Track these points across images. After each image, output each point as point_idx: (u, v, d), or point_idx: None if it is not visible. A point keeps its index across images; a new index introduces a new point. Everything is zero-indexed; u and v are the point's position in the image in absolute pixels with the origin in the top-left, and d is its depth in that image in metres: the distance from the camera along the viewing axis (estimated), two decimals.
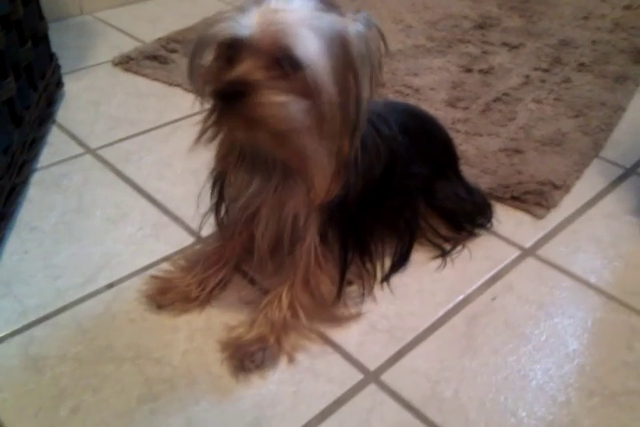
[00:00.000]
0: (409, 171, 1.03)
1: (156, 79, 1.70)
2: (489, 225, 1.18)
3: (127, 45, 1.87)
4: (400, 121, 1.01)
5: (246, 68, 0.74)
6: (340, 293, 0.96)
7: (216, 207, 0.99)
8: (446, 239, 1.13)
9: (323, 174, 0.82)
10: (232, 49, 0.76)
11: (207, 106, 0.84)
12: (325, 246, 0.93)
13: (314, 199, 0.85)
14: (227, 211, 0.98)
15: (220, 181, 0.95)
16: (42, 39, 1.52)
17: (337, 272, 0.95)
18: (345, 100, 0.79)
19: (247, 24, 0.73)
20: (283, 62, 0.74)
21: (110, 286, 1.05)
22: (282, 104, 0.76)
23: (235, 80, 0.74)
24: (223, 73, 0.76)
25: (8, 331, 0.97)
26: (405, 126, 1.02)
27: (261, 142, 0.81)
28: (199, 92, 0.83)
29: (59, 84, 1.61)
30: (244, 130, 0.80)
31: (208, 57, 0.80)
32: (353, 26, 0.77)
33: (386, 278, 1.05)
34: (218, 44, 0.77)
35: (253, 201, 0.89)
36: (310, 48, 0.74)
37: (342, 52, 0.77)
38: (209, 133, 0.86)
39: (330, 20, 0.77)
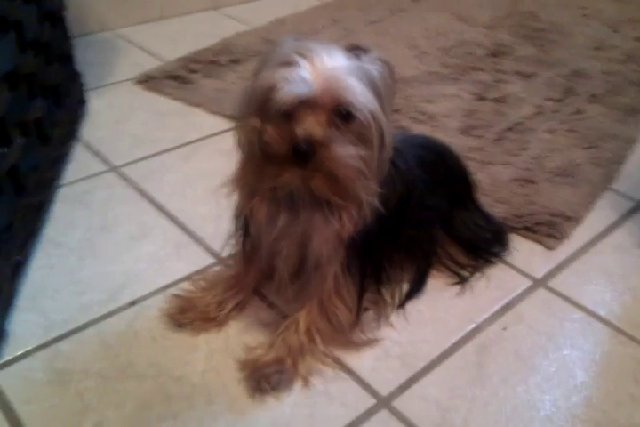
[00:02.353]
0: (425, 203, 1.06)
1: (176, 99, 1.73)
2: (505, 253, 1.21)
3: (148, 63, 1.92)
4: (417, 155, 1.05)
5: (311, 125, 0.78)
6: (356, 320, 0.99)
7: (240, 239, 1.02)
8: (464, 267, 1.16)
9: (359, 209, 0.86)
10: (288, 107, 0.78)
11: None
12: (345, 275, 0.96)
13: (344, 233, 0.88)
14: (250, 241, 1.00)
15: (244, 217, 0.96)
16: (67, 58, 1.56)
17: (354, 300, 0.98)
18: (380, 138, 0.83)
19: (307, 84, 0.76)
20: (337, 115, 0.78)
21: (133, 303, 1.08)
22: (350, 156, 0.80)
23: (306, 138, 0.77)
24: (285, 131, 0.78)
25: (34, 345, 1.00)
26: (422, 160, 1.05)
27: (315, 188, 0.83)
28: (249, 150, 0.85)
29: (82, 101, 1.65)
30: (307, 181, 0.83)
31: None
32: (374, 67, 0.82)
33: (401, 305, 1.08)
34: (279, 107, 0.78)
35: (279, 236, 0.92)
36: (360, 99, 0.78)
37: (375, 95, 0.81)
38: (250, 185, 0.88)
39: (363, 67, 0.81)
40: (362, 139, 0.82)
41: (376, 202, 0.87)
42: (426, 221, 1.09)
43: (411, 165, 1.01)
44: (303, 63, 0.77)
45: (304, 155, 0.78)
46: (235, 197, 0.92)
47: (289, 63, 0.78)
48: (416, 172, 1.02)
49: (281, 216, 0.89)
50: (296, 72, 0.77)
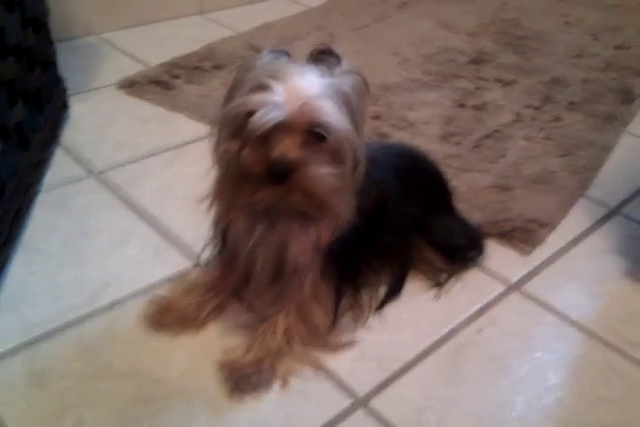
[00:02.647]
0: (401, 211, 1.08)
1: (158, 104, 1.74)
2: (481, 258, 1.23)
3: (131, 68, 1.93)
4: (393, 164, 1.08)
5: (286, 146, 0.80)
6: (333, 323, 1.01)
7: (218, 246, 1.04)
8: (440, 271, 1.18)
9: (335, 220, 0.89)
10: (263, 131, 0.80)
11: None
12: (322, 281, 0.98)
13: (321, 242, 0.91)
14: (228, 249, 1.02)
15: (221, 228, 0.98)
16: (50, 64, 1.57)
17: (331, 304, 1.00)
18: (353, 155, 0.86)
19: (281, 108, 0.78)
20: (311, 135, 0.81)
21: (112, 306, 1.09)
22: (327, 175, 0.83)
23: (281, 160, 0.80)
24: (261, 153, 0.81)
25: (12, 345, 1.01)
26: (398, 169, 1.08)
27: (292, 203, 0.85)
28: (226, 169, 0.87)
29: (64, 106, 1.65)
30: (283, 198, 0.84)
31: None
32: (346, 81, 0.85)
33: (379, 308, 1.10)
34: (254, 131, 0.80)
35: (256, 244, 0.93)
36: (333, 120, 0.81)
37: (348, 113, 0.84)
38: (227, 199, 0.91)
39: (335, 84, 0.83)
40: (335, 157, 0.84)
41: (351, 213, 0.89)
42: (402, 227, 1.10)
43: (386, 175, 1.03)
44: (276, 87, 0.79)
45: (280, 175, 0.80)
46: (213, 208, 0.94)
47: (262, 87, 0.80)
48: (391, 180, 1.05)
49: (258, 226, 0.91)
50: (269, 97, 0.79)
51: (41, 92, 1.45)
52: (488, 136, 1.65)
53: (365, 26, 2.33)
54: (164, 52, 2.02)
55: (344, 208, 0.89)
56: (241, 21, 2.31)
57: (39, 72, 1.44)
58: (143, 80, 1.84)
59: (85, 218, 1.30)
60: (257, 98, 0.79)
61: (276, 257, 0.94)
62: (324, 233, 0.91)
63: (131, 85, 1.82)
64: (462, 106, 1.80)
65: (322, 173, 0.82)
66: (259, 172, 0.81)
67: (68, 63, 1.81)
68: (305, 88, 0.81)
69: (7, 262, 1.16)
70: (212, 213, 0.95)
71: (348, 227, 0.91)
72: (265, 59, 0.86)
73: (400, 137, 1.62)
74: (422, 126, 1.68)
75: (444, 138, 1.63)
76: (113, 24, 2.22)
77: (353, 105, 0.85)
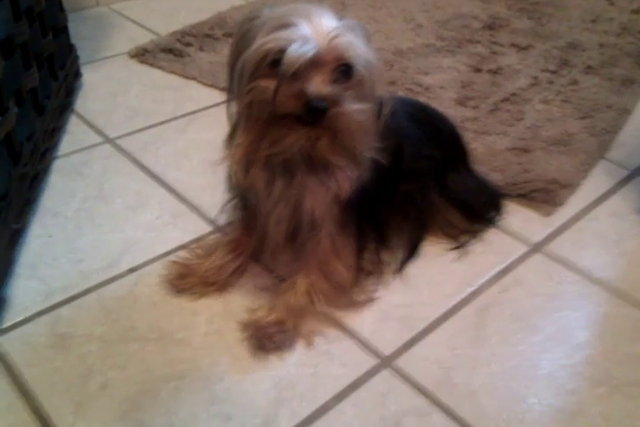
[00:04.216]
0: (419, 153, 1.06)
1: (171, 72, 1.73)
2: (500, 218, 1.21)
3: (142, 37, 1.91)
4: (408, 112, 1.06)
5: (320, 82, 0.78)
6: (355, 279, 1.00)
7: (237, 206, 1.03)
8: (461, 231, 1.17)
9: (357, 167, 0.87)
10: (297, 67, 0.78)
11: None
12: (342, 235, 0.96)
13: (341, 193, 0.89)
14: (247, 208, 1.01)
15: (240, 187, 0.96)
16: (62, 30, 1.55)
17: (353, 260, 0.99)
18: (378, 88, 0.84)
19: (312, 43, 0.77)
20: (339, 71, 0.79)
21: (132, 270, 1.08)
22: (359, 112, 0.81)
23: (319, 96, 0.77)
24: (295, 91, 0.78)
25: (35, 311, 1.00)
26: (413, 117, 1.06)
27: (320, 148, 0.83)
28: (251, 111, 0.84)
29: (77, 74, 1.64)
30: (314, 141, 0.82)
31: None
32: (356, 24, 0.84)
33: (400, 269, 1.09)
34: (287, 68, 0.77)
35: (276, 201, 0.92)
36: (361, 53, 0.80)
37: (369, 48, 0.83)
38: (248, 154, 0.87)
39: (352, 23, 0.83)
40: (362, 94, 0.82)
41: (376, 156, 0.88)
42: (421, 171, 1.09)
43: (401, 120, 1.02)
44: (302, 23, 0.78)
45: (317, 112, 0.78)
46: (229, 167, 0.92)
47: (287, 25, 0.78)
48: (407, 125, 1.03)
49: (277, 182, 0.90)
50: (299, 32, 0.77)
51: (54, 59, 1.43)
52: (505, 100, 1.62)
53: None
54: (175, 22, 2.00)
55: (367, 152, 0.87)
56: None
57: (52, 38, 1.42)
58: (155, 48, 1.82)
59: (101, 183, 1.29)
60: (285, 34, 0.77)
61: (292, 213, 0.93)
62: (343, 184, 0.89)
63: (142, 53, 1.80)
64: (478, 70, 1.77)
65: (355, 109, 0.81)
66: (294, 110, 0.79)
67: (79, 33, 1.79)
68: (329, 24, 0.79)
69: (26, 226, 1.16)
70: (231, 173, 0.92)
71: (367, 175, 0.90)
72: (267, 8, 0.84)
73: None
74: (438, 91, 1.65)
75: (461, 102, 1.61)
76: None
77: (370, 44, 0.84)
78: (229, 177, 0.95)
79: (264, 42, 0.78)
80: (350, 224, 0.96)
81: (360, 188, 0.90)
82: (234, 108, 0.87)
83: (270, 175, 0.89)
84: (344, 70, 0.80)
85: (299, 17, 0.79)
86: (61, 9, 1.55)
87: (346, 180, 0.88)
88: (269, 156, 0.86)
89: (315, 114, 0.78)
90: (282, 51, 0.77)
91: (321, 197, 0.90)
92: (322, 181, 0.88)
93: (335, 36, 0.78)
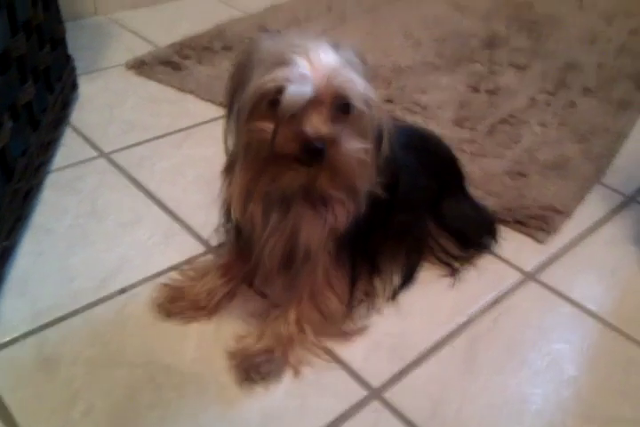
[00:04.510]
0: (414, 184, 1.05)
1: (168, 85, 1.72)
2: (495, 245, 1.21)
3: (140, 48, 1.90)
4: (403, 142, 1.04)
5: (318, 121, 0.77)
6: (348, 310, 0.99)
7: (230, 232, 1.02)
8: (454, 257, 1.16)
9: (355, 201, 0.86)
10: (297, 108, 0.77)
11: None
12: (336, 268, 0.96)
13: (338, 226, 0.88)
14: (241, 237, 0.99)
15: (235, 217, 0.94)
16: (59, 42, 1.54)
17: (345, 290, 0.98)
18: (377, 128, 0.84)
19: (310, 82, 0.76)
20: (337, 109, 0.79)
21: (122, 291, 1.07)
22: (357, 149, 0.80)
23: (317, 136, 0.76)
24: (292, 131, 0.77)
25: (22, 331, 0.99)
26: (408, 145, 1.05)
27: (320, 185, 0.83)
28: (249, 149, 0.83)
29: (74, 85, 1.63)
30: (313, 179, 0.82)
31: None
32: (352, 54, 0.83)
33: (393, 296, 1.08)
34: (286, 108, 0.77)
35: (270, 232, 0.91)
36: (359, 89, 0.79)
37: (367, 82, 0.82)
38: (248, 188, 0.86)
39: (347, 55, 0.82)
40: (361, 130, 0.82)
41: (376, 190, 0.87)
42: (416, 203, 1.08)
43: (396, 151, 1.00)
44: (300, 61, 0.77)
45: (316, 152, 0.77)
46: (226, 199, 0.91)
47: (285, 62, 0.77)
48: (402, 155, 1.02)
49: (273, 213, 0.89)
50: (297, 71, 0.76)
51: (50, 71, 1.42)
52: (502, 121, 1.62)
53: (376, 8, 2.29)
54: (173, 33, 1.98)
55: (368, 186, 0.86)
56: (250, 2, 2.27)
57: (49, 50, 1.41)
58: (153, 60, 1.81)
59: (95, 199, 1.28)
60: (284, 73, 0.76)
61: (287, 244, 0.92)
62: (340, 218, 0.88)
63: (140, 66, 1.79)
64: (476, 90, 1.77)
65: (354, 147, 0.80)
66: (292, 151, 0.78)
67: (76, 43, 1.78)
68: (326, 60, 0.78)
69: (17, 243, 1.15)
70: (227, 202, 0.92)
71: (364, 208, 0.89)
72: (265, 41, 0.83)
73: (413, 121, 1.59)
74: (435, 110, 1.65)
75: (458, 122, 1.60)
76: (121, 4, 2.18)
77: (367, 77, 0.83)
78: (224, 204, 0.94)
79: (262, 82, 0.77)
80: (344, 257, 0.95)
81: (355, 220, 0.89)
82: (231, 139, 0.86)
83: (267, 207, 0.88)
84: (342, 107, 0.79)
85: (296, 53, 0.77)
86: (59, 21, 1.54)
87: (343, 213, 0.87)
88: (267, 191, 0.85)
89: (314, 154, 0.77)
90: (280, 91, 0.76)
91: (317, 230, 0.89)
92: (319, 214, 0.87)
93: (333, 74, 0.77)
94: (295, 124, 0.77)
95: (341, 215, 0.88)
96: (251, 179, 0.84)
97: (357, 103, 0.79)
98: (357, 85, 0.79)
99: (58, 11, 1.53)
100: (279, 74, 0.77)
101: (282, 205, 0.88)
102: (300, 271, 0.96)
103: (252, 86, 0.79)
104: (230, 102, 0.85)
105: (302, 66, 0.77)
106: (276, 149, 0.78)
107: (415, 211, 1.08)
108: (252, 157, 0.83)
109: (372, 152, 0.84)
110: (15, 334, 0.99)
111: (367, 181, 0.86)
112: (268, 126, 0.78)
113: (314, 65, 0.77)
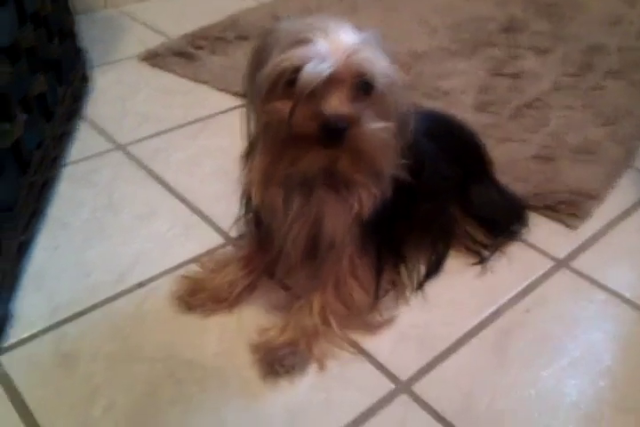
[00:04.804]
0: (438, 173, 1.01)
1: (182, 76, 1.69)
2: (524, 231, 1.17)
3: (152, 40, 1.88)
4: (425, 127, 1.00)
5: (338, 101, 0.74)
6: (374, 301, 0.96)
7: (250, 222, 0.99)
8: (483, 245, 1.12)
9: (379, 185, 0.83)
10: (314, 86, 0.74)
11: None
12: (361, 256, 0.92)
13: (362, 212, 0.84)
14: (262, 226, 0.96)
15: (255, 205, 0.91)
16: (69, 34, 1.52)
17: (371, 280, 0.94)
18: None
19: (329, 60, 0.73)
20: (358, 88, 0.75)
21: (141, 284, 1.05)
22: (380, 130, 0.77)
23: (336, 116, 0.73)
24: (311, 111, 0.74)
25: (41, 327, 0.97)
26: (431, 132, 1.01)
27: (341, 168, 0.80)
28: (268, 132, 0.80)
29: (85, 78, 1.60)
30: (334, 161, 0.79)
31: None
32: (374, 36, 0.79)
33: (419, 286, 1.04)
34: (304, 86, 0.74)
35: (292, 219, 0.87)
36: (379, 68, 0.75)
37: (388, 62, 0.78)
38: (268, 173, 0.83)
39: (369, 35, 0.78)
40: (383, 111, 0.79)
41: (398, 173, 0.84)
42: (441, 192, 1.04)
43: (419, 137, 0.97)
44: (319, 40, 0.74)
45: (336, 133, 0.74)
46: (245, 184, 0.88)
47: (304, 41, 0.74)
48: (425, 142, 0.98)
49: (294, 200, 0.85)
50: (315, 49, 0.73)
51: (61, 63, 1.40)
52: (527, 105, 1.57)
53: None
54: (186, 24, 1.96)
55: (391, 169, 0.83)
56: None
57: (59, 42, 1.39)
58: (166, 52, 1.78)
59: (111, 191, 1.26)
60: (301, 51, 0.73)
61: (310, 232, 0.89)
62: (364, 204, 0.84)
63: (153, 57, 1.77)
64: (497, 74, 1.72)
65: (375, 127, 0.77)
66: (311, 131, 0.74)
67: (88, 36, 1.77)
68: (347, 39, 0.75)
69: (34, 236, 1.13)
70: (247, 189, 0.89)
71: (389, 193, 0.85)
72: (284, 23, 0.80)
73: (433, 107, 1.54)
74: (457, 95, 1.61)
75: (481, 107, 1.56)
76: None
77: (389, 57, 0.79)
78: (244, 193, 0.91)
79: (279, 60, 0.74)
80: (370, 245, 0.92)
81: (380, 206, 0.85)
82: (252, 124, 0.83)
83: (288, 192, 0.85)
84: (363, 87, 0.76)
85: (315, 32, 0.74)
86: (68, 12, 1.52)
87: (368, 198, 0.83)
88: (288, 174, 0.82)
89: (334, 135, 0.74)
90: (298, 70, 0.73)
91: (341, 216, 0.85)
92: (343, 199, 0.84)
93: (353, 52, 0.74)
94: (314, 104, 0.74)
95: (366, 200, 0.84)
96: (270, 162, 0.81)
97: (379, 83, 0.76)
98: (379, 64, 0.76)
99: (66, 2, 1.50)
100: (297, 52, 0.74)
101: (303, 189, 0.84)
102: (325, 261, 0.93)
103: (269, 66, 0.76)
104: (250, 82, 0.81)
105: (321, 44, 0.74)
106: (295, 130, 0.75)
107: (440, 198, 1.04)
108: (271, 140, 0.79)
109: (394, 133, 0.80)
110: (34, 331, 0.97)
111: (391, 164, 0.82)
112: (286, 106, 0.75)
113: (333, 43, 0.74)
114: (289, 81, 0.75)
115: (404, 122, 0.83)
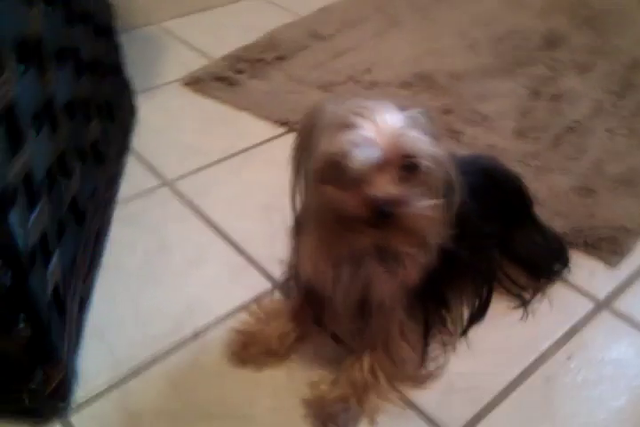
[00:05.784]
0: (481, 232, 1.03)
1: (224, 102, 1.72)
2: (566, 271, 1.18)
3: (194, 61, 1.91)
4: (467, 182, 1.02)
5: (386, 184, 0.76)
6: (421, 359, 0.99)
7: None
8: (524, 288, 1.14)
9: (427, 255, 0.85)
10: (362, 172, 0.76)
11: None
12: (410, 320, 0.95)
13: (409, 281, 0.87)
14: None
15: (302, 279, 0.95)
16: (118, 70, 1.55)
17: (419, 340, 0.97)
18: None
19: (376, 145, 0.75)
20: (405, 168, 0.77)
21: (196, 335, 1.09)
22: (429, 208, 0.79)
23: (387, 200, 0.76)
24: (359, 195, 0.77)
25: (106, 385, 1.01)
26: (472, 188, 1.02)
27: (394, 245, 0.82)
28: (318, 214, 0.83)
29: (133, 110, 1.63)
30: (385, 240, 0.81)
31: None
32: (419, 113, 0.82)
33: (464, 333, 1.07)
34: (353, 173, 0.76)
35: (342, 289, 0.90)
36: (425, 148, 0.77)
37: (433, 140, 0.80)
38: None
39: (413, 115, 0.80)
40: (430, 188, 0.81)
41: (447, 243, 0.86)
42: (483, 249, 1.06)
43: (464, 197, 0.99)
44: (364, 123, 0.76)
45: (386, 216, 0.76)
46: (292, 257, 0.93)
47: (349, 125, 0.76)
48: (467, 203, 1.00)
49: (343, 273, 0.87)
50: (363, 134, 0.75)
51: (112, 102, 1.43)
52: (567, 130, 1.57)
53: (427, 6, 2.23)
54: (226, 42, 1.99)
55: (440, 240, 0.85)
56: (300, 2, 2.25)
57: (109, 81, 1.42)
58: (208, 77, 1.81)
59: (161, 232, 1.30)
60: (349, 137, 0.75)
61: (359, 297, 0.91)
62: (411, 274, 0.87)
63: (196, 82, 1.80)
64: (537, 94, 1.72)
65: (424, 206, 0.79)
66: (362, 215, 0.77)
67: (129, 57, 1.78)
68: (391, 121, 0.77)
69: (92, 288, 1.16)
70: (294, 266, 0.93)
71: (435, 260, 0.88)
72: (329, 105, 0.82)
73: (473, 133, 1.56)
74: (496, 120, 1.61)
75: (521, 133, 1.56)
76: (172, 11, 2.19)
77: (434, 134, 0.81)
78: (291, 268, 0.95)
79: (327, 147, 0.77)
80: (418, 309, 0.95)
81: (427, 272, 0.88)
82: (299, 202, 0.86)
83: (337, 266, 0.87)
84: (410, 167, 0.78)
85: (360, 116, 0.77)
86: (116, 46, 1.53)
87: (415, 267, 0.86)
88: (338, 252, 0.85)
89: (384, 218, 0.76)
90: (346, 155, 0.75)
91: (390, 285, 0.88)
92: (390, 269, 0.86)
93: (399, 135, 0.76)
94: (364, 188, 0.77)
95: (413, 269, 0.87)
96: (320, 243, 0.84)
97: (425, 162, 0.78)
98: (424, 144, 0.78)
99: (115, 38, 1.52)
100: (344, 138, 0.76)
101: (352, 263, 0.87)
102: (374, 322, 0.96)
103: (317, 152, 0.79)
104: (297, 168, 0.84)
105: (367, 128, 0.76)
106: (346, 214, 0.78)
107: (482, 253, 1.06)
108: (322, 221, 0.82)
109: (442, 208, 0.83)
110: (100, 389, 1.00)
111: (439, 237, 0.85)
112: (338, 192, 0.78)
113: (379, 127, 0.76)
114: (339, 166, 0.77)
115: (452, 193, 0.85)
